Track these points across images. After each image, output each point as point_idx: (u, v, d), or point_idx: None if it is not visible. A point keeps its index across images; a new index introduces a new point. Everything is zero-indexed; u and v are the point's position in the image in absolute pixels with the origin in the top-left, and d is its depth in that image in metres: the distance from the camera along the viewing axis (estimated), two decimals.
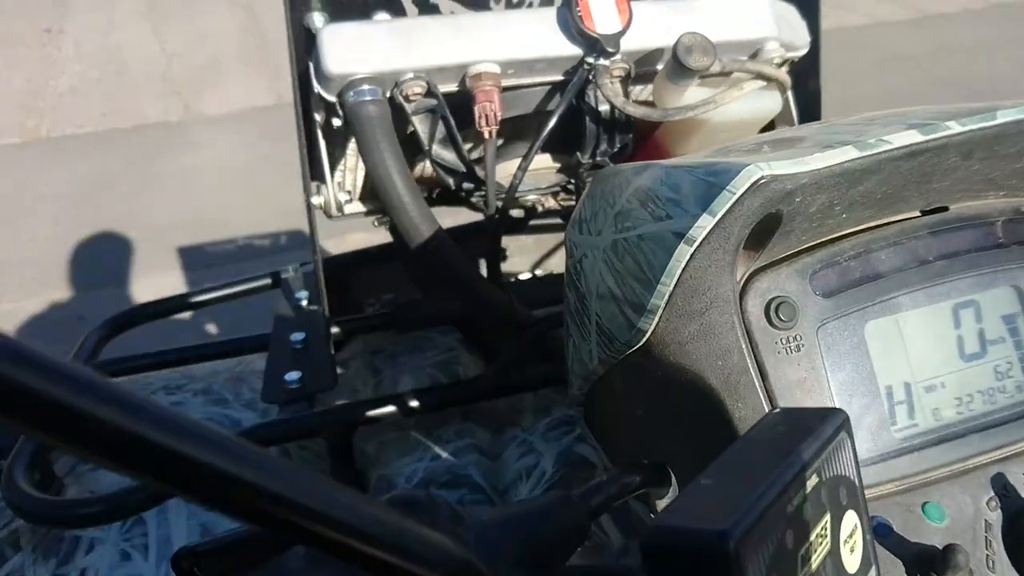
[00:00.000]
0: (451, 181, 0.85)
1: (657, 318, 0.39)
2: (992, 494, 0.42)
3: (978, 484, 0.42)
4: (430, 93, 0.77)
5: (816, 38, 0.92)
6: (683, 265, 0.37)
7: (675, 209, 0.38)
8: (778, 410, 0.30)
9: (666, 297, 0.38)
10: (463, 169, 0.83)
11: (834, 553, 0.27)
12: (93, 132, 3.54)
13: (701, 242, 0.36)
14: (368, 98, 0.74)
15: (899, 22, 4.46)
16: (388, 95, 0.77)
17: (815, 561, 0.26)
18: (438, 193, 1.00)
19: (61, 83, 3.90)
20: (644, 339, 0.40)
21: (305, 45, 0.78)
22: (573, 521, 0.33)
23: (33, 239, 2.87)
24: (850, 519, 0.29)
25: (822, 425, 0.28)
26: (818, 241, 0.43)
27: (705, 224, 0.36)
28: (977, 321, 0.45)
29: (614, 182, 0.45)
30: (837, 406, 0.41)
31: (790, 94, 0.94)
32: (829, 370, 0.41)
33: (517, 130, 0.88)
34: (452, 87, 0.79)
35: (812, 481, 0.26)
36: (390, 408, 0.82)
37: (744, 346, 0.38)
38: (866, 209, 0.41)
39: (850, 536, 0.28)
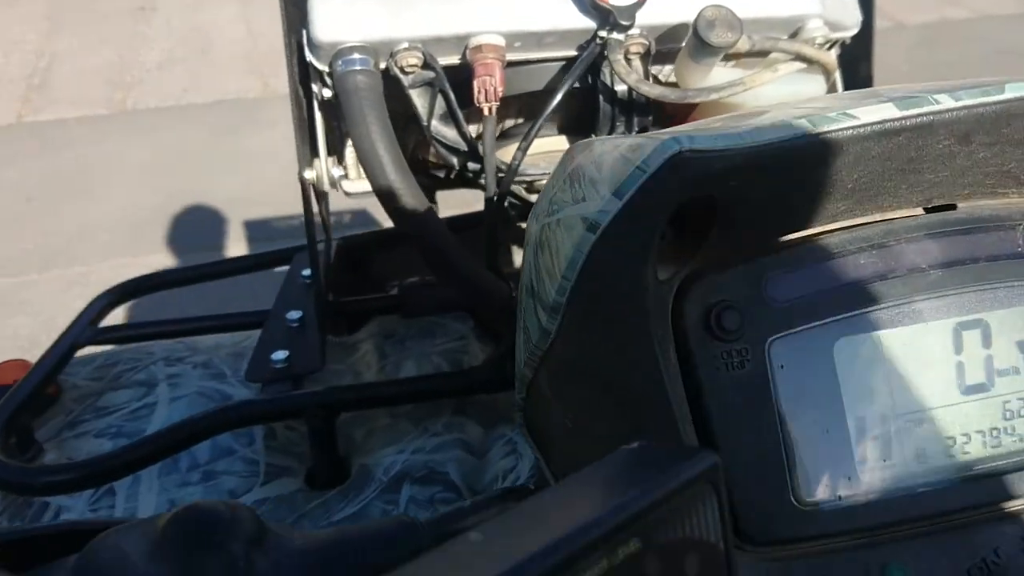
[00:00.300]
0: (454, 160, 0.80)
1: (560, 318, 0.32)
2: (978, 560, 0.34)
3: (961, 546, 0.34)
4: (427, 65, 0.72)
5: (869, 18, 0.82)
6: (585, 256, 0.30)
7: (590, 190, 0.32)
8: (635, 446, 0.23)
9: (567, 294, 0.32)
10: (464, 148, 0.78)
11: None
12: (175, 106, 3.63)
13: (606, 229, 0.30)
14: (357, 68, 0.70)
15: (1008, 16, 4.15)
16: (383, 66, 0.72)
17: None
18: (456, 175, 0.95)
19: (149, 59, 4.03)
20: (549, 342, 0.34)
21: (302, 10, 0.74)
22: (415, 550, 0.27)
23: (109, 207, 2.96)
24: None
25: (669, 472, 0.22)
26: (778, 239, 0.36)
27: (610, 208, 0.30)
28: (985, 346, 0.37)
29: (566, 160, 0.39)
30: (788, 435, 0.34)
31: (838, 79, 0.84)
32: (780, 392, 0.34)
33: (529, 110, 0.82)
34: (453, 59, 0.73)
35: (628, 548, 0.20)
36: (374, 395, 0.78)
37: (661, 359, 0.31)
38: (838, 201, 0.34)
39: None
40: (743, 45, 0.72)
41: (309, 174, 0.79)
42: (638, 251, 0.30)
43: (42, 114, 3.60)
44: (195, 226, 2.89)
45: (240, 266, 1.09)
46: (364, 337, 1.04)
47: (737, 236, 0.34)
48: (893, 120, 0.29)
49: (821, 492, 0.35)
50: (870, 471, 0.35)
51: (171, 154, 3.27)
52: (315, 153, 0.79)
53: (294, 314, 0.89)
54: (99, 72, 3.89)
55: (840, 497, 0.35)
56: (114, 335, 0.92)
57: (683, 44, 0.75)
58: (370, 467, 0.79)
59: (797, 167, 0.30)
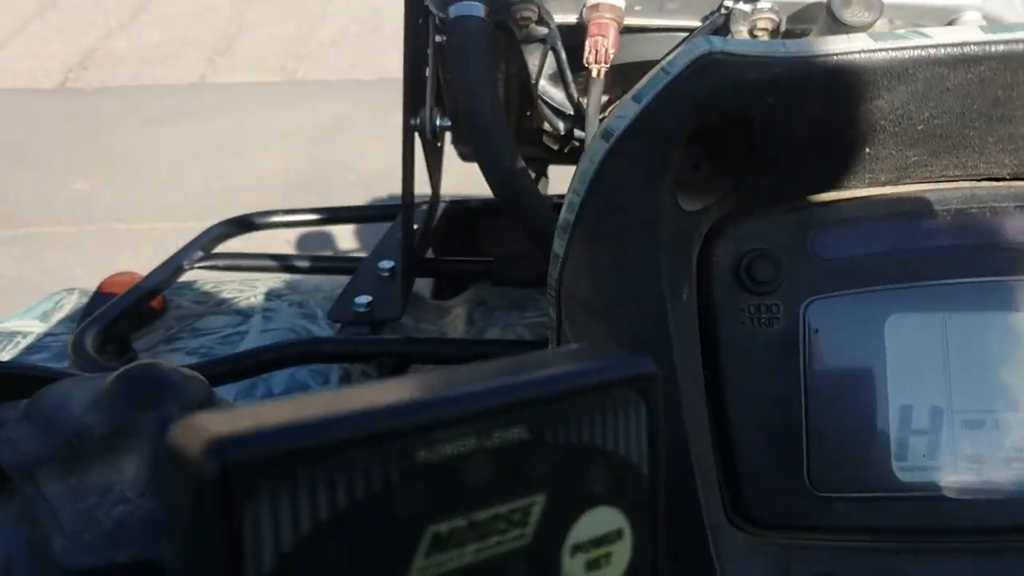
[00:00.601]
0: (560, 125, 0.78)
1: (568, 238, 0.30)
2: None
3: (1003, 572, 0.29)
4: (542, 20, 0.70)
5: None
6: (596, 166, 0.28)
7: (623, 107, 0.29)
8: (575, 346, 0.20)
9: (576, 210, 0.29)
10: (571, 112, 0.76)
11: (541, 555, 0.17)
12: (340, 80, 3.81)
13: (620, 136, 0.27)
14: (470, 13, 0.69)
15: None
16: (499, 18, 0.71)
17: (464, 553, 0.16)
18: (570, 148, 0.93)
19: (324, 34, 4.25)
20: (559, 270, 0.31)
21: None
22: None
23: (263, 168, 3.15)
24: (606, 520, 0.19)
25: (583, 369, 0.18)
26: (835, 186, 0.31)
27: (627, 113, 0.27)
28: None
29: None
30: (812, 410, 0.30)
31: None
32: (811, 361, 0.30)
33: None
34: (570, 18, 0.71)
35: (508, 434, 0.17)
36: (443, 351, 0.77)
37: (670, 297, 0.28)
38: (906, 147, 0.29)
39: (597, 546, 0.18)
40: (881, 28, 0.66)
41: (414, 122, 0.80)
42: (654, 165, 0.27)
43: (222, 76, 3.87)
44: (340, 192, 3.02)
45: (355, 215, 1.12)
46: (459, 302, 1.05)
47: (783, 174, 0.30)
48: (973, 43, 0.25)
49: (842, 480, 0.30)
50: (907, 468, 0.30)
51: (329, 125, 3.43)
52: (422, 101, 0.79)
53: (386, 263, 0.90)
54: (278, 42, 4.14)
55: (865, 490, 0.30)
56: (221, 262, 0.96)
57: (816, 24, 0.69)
58: None
59: (850, 90, 0.26)
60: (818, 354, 0.30)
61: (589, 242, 0.29)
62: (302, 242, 2.35)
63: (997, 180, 0.32)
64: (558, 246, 0.31)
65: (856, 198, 0.31)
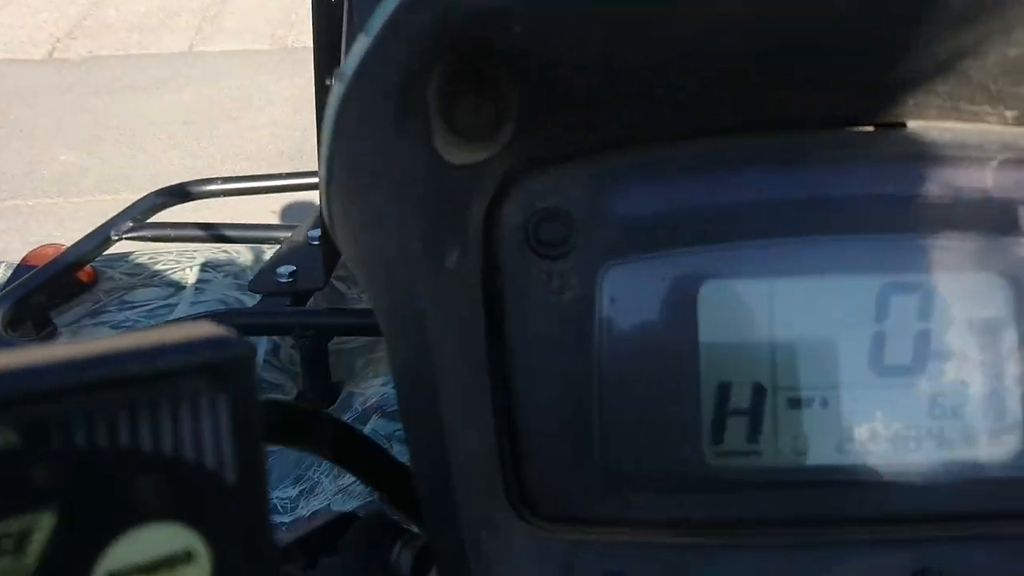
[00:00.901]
0: None
1: (326, 199, 0.26)
2: None
3: (815, 568, 0.26)
4: None
5: None
6: (335, 113, 0.24)
7: (356, 42, 0.25)
8: (199, 322, 0.17)
9: (327, 164, 0.25)
10: None
11: None
12: None
13: (354, 75, 0.23)
14: None
15: None
16: None
17: None
18: None
19: None
20: (333, 231, 0.28)
21: None
22: None
23: (254, 136, 3.11)
24: (165, 539, 0.15)
25: (130, 351, 0.15)
26: (637, 138, 0.27)
27: (359, 49, 0.23)
28: (920, 318, 0.27)
29: None
30: (607, 390, 0.27)
31: None
32: (606, 334, 0.27)
33: None
34: None
35: None
36: (357, 323, 0.74)
37: (429, 260, 0.24)
38: (708, 86, 0.25)
39: (151, 571, 0.15)
40: None
41: (329, 82, 0.76)
42: (395, 108, 0.23)
43: (211, 45, 3.82)
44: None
45: (296, 183, 1.08)
46: None
47: (572, 121, 0.26)
48: None
49: (643, 468, 0.27)
50: (721, 454, 0.27)
51: None
52: (335, 61, 0.75)
53: (315, 232, 0.87)
54: (268, 10, 4.08)
55: (670, 478, 0.27)
56: (149, 232, 0.93)
57: None
58: (353, 395, 0.76)
59: (618, 17, 0.22)
60: (616, 326, 0.27)
61: (342, 200, 0.25)
62: (253, 211, 2.31)
63: (831, 127, 0.28)
64: (323, 207, 0.27)
65: (660, 147, 0.27)
